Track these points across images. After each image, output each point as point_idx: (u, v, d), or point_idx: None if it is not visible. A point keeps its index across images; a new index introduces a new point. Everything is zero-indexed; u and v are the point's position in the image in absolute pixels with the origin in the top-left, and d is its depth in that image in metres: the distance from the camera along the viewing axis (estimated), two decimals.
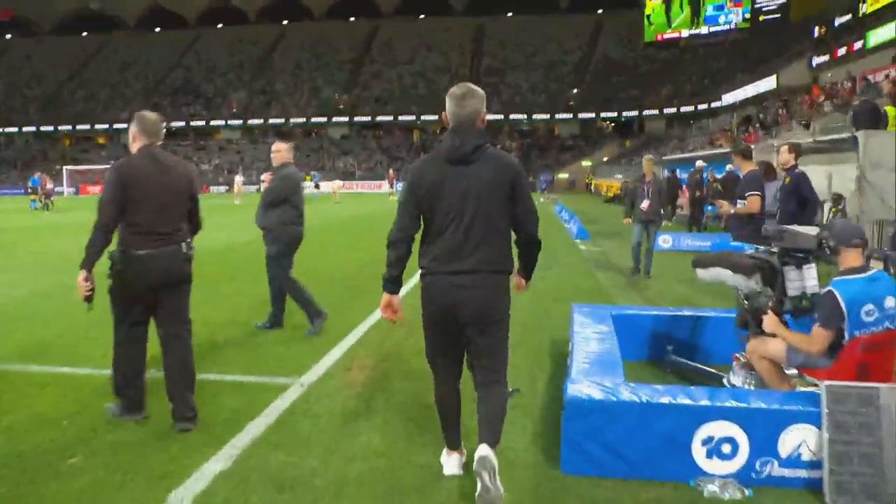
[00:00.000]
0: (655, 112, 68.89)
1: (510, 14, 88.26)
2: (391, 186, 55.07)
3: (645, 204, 11.88)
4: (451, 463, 4.31)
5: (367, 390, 5.98)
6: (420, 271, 4.05)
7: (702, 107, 61.44)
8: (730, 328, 5.93)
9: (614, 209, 34.80)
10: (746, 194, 8.22)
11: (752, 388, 5.33)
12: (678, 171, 30.21)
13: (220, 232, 20.26)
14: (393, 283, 4.10)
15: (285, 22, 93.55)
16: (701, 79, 67.20)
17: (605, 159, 69.99)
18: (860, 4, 38.92)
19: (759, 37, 60.21)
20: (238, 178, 49.59)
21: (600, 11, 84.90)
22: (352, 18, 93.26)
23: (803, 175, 8.33)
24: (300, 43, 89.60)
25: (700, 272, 5.82)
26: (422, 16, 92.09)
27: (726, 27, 64.51)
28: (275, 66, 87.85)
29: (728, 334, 6.02)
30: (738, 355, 5.64)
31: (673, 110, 66.68)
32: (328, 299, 9.01)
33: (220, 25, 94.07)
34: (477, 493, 3.84)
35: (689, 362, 6.29)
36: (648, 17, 70.72)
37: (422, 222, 4.01)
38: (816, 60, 41.29)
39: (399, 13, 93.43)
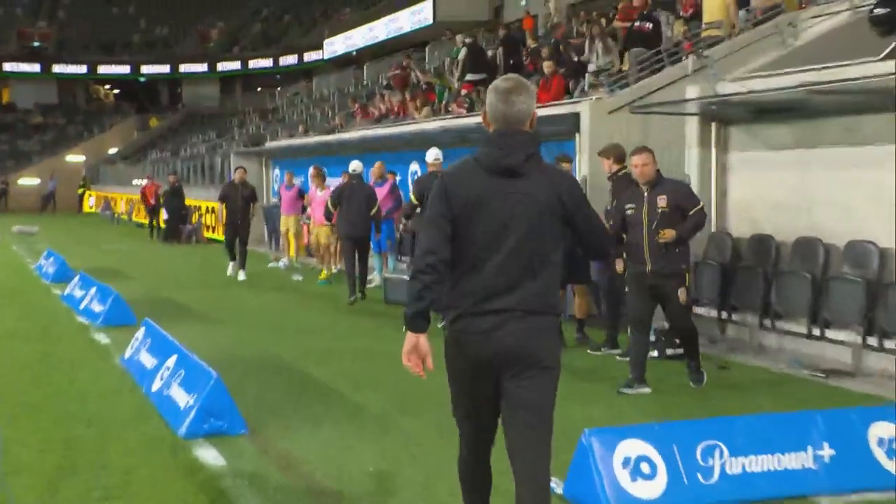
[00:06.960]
0: (202, 68, 41.34)
1: None
2: None
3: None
4: None
5: None
6: (447, 311, 3.35)
7: (289, 60, 36.38)
8: None
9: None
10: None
11: None
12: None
13: None
14: (419, 319, 3.20)
15: None
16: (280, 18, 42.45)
17: (112, 151, 40.80)
18: None
19: None
20: None
21: None
22: None
23: None
24: None
25: None
26: None
27: None
28: None
29: None
30: None
31: (235, 66, 39.87)
32: None
33: None
34: None
35: None
36: None
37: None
38: None
39: None
